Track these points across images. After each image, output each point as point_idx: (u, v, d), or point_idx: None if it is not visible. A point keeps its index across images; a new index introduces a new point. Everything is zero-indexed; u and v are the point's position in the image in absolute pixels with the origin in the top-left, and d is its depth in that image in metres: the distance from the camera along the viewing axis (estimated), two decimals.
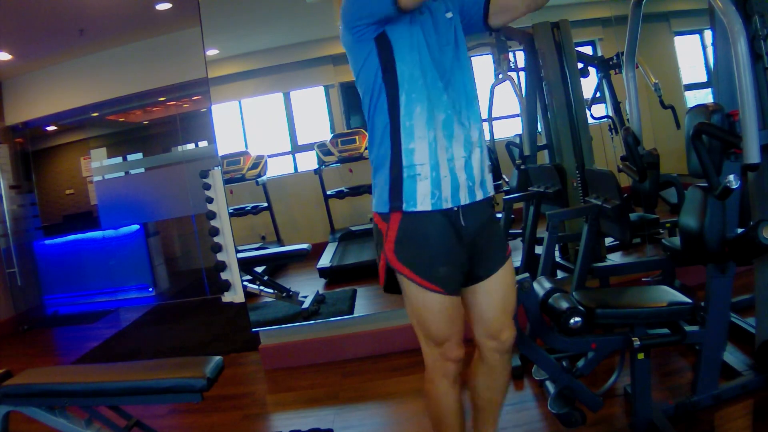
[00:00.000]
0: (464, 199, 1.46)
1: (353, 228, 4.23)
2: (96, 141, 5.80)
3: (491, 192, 1.55)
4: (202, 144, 5.38)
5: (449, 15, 1.50)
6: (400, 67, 1.42)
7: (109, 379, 1.69)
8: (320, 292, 3.59)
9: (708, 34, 3.81)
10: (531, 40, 3.26)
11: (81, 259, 5.63)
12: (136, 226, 5.58)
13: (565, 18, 3.18)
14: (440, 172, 1.43)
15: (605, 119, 3.56)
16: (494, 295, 1.55)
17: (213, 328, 4.16)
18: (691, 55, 4.06)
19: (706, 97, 3.87)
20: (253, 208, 4.14)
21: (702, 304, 2.00)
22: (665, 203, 3.14)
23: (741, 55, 1.69)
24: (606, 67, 3.33)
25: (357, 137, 4.08)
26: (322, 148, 4.09)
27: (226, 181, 3.24)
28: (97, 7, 4.02)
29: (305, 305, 3.36)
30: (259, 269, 3.59)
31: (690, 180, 2.02)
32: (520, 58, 3.40)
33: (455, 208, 1.46)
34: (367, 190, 4.15)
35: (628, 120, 2.52)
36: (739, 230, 1.90)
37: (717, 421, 1.98)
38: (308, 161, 4.17)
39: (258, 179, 4.07)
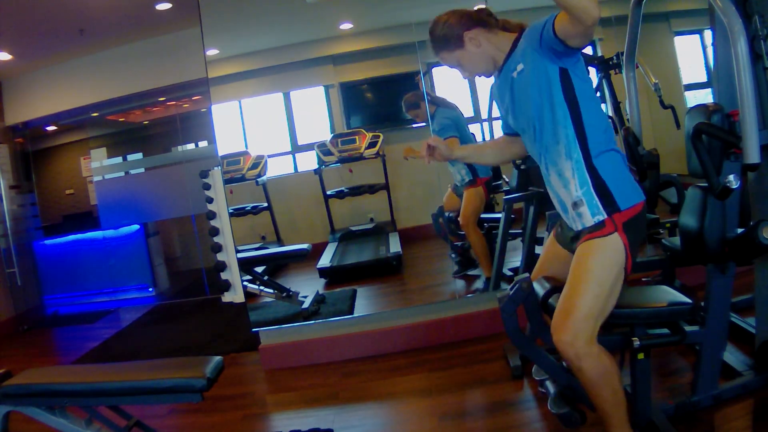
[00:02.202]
0: (569, 222, 1.77)
1: (353, 228, 4.22)
2: (96, 141, 5.79)
3: (578, 228, 1.70)
4: (202, 144, 5.38)
5: (519, 68, 1.67)
6: None
7: (109, 379, 1.69)
8: (320, 292, 3.59)
9: (708, 34, 3.81)
10: None
11: (81, 259, 5.62)
12: (136, 226, 5.58)
13: None
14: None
15: None
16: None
17: (213, 328, 4.16)
18: (691, 55, 4.06)
19: (706, 97, 3.87)
20: (253, 208, 4.13)
21: (702, 304, 2.00)
22: (665, 203, 3.13)
23: (741, 55, 1.69)
24: (606, 67, 3.32)
25: (357, 137, 4.08)
26: (322, 148, 4.09)
27: (226, 181, 3.24)
28: (97, 7, 4.02)
29: (305, 305, 3.36)
30: (259, 269, 3.59)
31: (690, 180, 2.02)
32: None
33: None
34: (366, 190, 4.15)
35: (628, 120, 2.52)
36: (739, 230, 1.90)
37: (717, 421, 1.98)
38: (308, 161, 4.17)
39: (258, 179, 4.06)
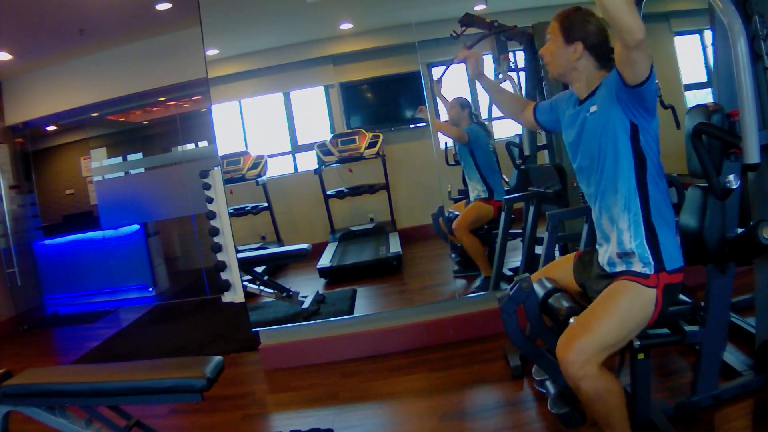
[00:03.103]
0: (600, 258, 1.82)
1: (353, 228, 4.23)
2: (96, 141, 5.79)
3: (612, 269, 1.74)
4: (202, 144, 5.38)
5: (593, 109, 1.70)
6: None
7: (109, 379, 1.69)
8: (320, 292, 3.59)
9: (708, 34, 3.81)
10: (531, 40, 3.25)
11: (81, 259, 5.62)
12: (136, 226, 5.58)
13: None
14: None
15: None
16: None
17: (213, 328, 4.16)
18: (691, 55, 4.05)
19: (706, 97, 3.86)
20: (253, 208, 4.14)
21: (702, 304, 2.00)
22: None
23: (741, 55, 1.69)
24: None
25: (357, 137, 4.08)
26: (322, 148, 4.09)
27: (226, 181, 3.24)
28: (97, 7, 4.02)
29: (305, 305, 3.36)
30: (259, 269, 3.59)
31: (690, 180, 2.02)
32: (520, 58, 3.40)
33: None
34: (366, 190, 4.15)
35: None
36: (739, 230, 1.90)
37: (717, 421, 1.98)
38: (308, 161, 4.18)
39: (258, 179, 4.07)
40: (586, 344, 1.58)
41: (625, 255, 1.69)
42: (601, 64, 1.72)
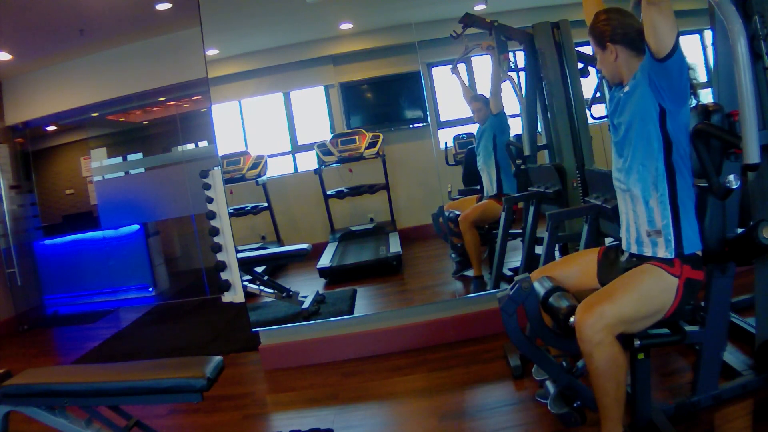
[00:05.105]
0: (624, 245, 1.88)
1: (353, 228, 4.23)
2: (96, 141, 5.79)
3: (647, 252, 1.77)
4: (202, 144, 5.38)
5: (626, 89, 1.78)
6: None
7: (109, 379, 1.69)
8: (320, 292, 3.59)
9: (708, 34, 3.81)
10: (531, 40, 3.25)
11: (81, 259, 5.62)
12: (136, 226, 5.58)
13: (565, 18, 3.18)
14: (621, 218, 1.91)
15: (605, 119, 3.54)
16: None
17: (213, 328, 4.16)
18: (691, 55, 4.05)
19: (706, 97, 3.86)
20: (253, 208, 4.14)
21: (702, 304, 2.00)
22: None
23: (741, 55, 1.69)
24: None
25: (357, 137, 4.08)
26: (322, 148, 4.09)
27: (226, 181, 3.24)
28: (97, 7, 4.02)
29: (305, 305, 3.36)
30: (259, 269, 3.59)
31: None
32: (520, 58, 3.40)
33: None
34: (366, 190, 4.15)
35: None
36: (739, 230, 1.90)
37: (717, 421, 1.98)
38: (308, 161, 4.17)
39: (258, 179, 4.07)
40: (607, 311, 1.63)
41: (655, 233, 1.75)
42: (637, 51, 1.78)
